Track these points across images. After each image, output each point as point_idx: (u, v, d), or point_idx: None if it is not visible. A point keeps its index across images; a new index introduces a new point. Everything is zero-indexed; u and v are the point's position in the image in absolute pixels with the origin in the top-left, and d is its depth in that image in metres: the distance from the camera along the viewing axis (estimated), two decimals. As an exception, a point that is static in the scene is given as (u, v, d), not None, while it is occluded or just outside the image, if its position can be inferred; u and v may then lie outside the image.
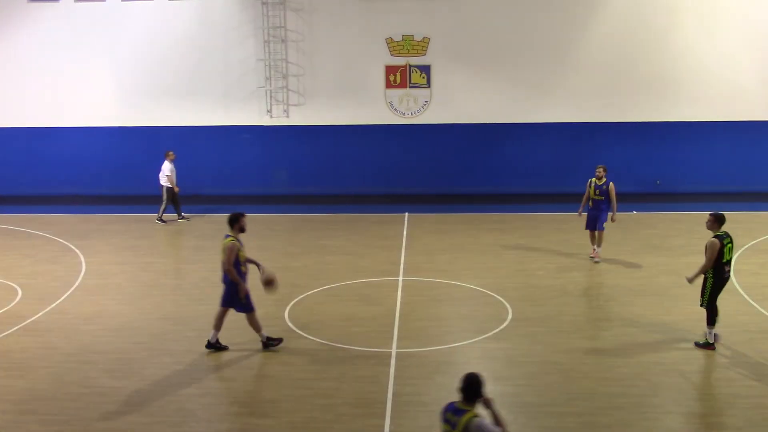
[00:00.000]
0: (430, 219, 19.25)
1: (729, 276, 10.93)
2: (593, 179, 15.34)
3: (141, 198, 20.78)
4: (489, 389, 9.79)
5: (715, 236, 10.75)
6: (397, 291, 13.69)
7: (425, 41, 21.45)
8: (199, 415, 9.40)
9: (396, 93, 21.77)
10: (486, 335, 11.56)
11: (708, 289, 10.84)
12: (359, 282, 14.20)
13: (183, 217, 19.23)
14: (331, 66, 21.70)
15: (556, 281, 14.12)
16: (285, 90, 21.74)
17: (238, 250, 10.73)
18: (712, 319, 10.89)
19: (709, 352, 10.81)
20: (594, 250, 15.43)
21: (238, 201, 19.93)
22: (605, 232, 15.36)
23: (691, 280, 10.94)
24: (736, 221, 18.14)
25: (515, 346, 11.18)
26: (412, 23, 21.40)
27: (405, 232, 17.75)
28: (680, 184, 21.60)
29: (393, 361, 10.67)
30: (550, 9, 21.13)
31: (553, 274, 14.58)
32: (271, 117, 21.87)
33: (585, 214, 15.55)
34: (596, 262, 15.23)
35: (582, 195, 15.48)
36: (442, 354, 10.98)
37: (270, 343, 11.11)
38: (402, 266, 15.09)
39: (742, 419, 8.94)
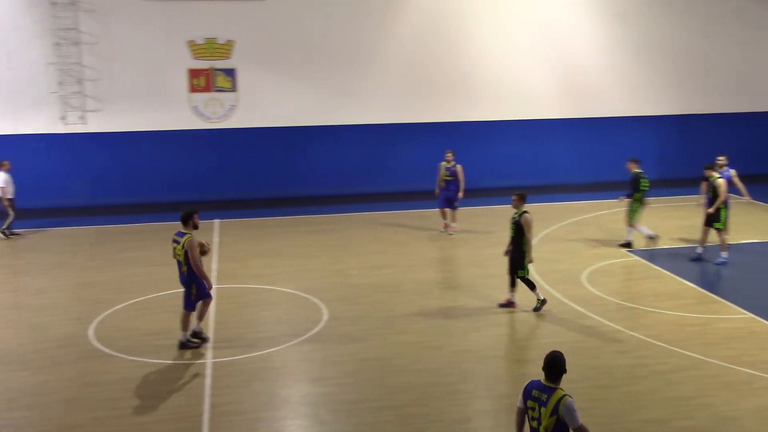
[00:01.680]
0: (243, 224, 18.99)
1: None
2: (443, 162, 17.43)
3: None
4: (307, 391, 9.89)
5: (525, 211, 12.17)
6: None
7: (229, 44, 21.13)
8: (-4, 449, 8.63)
9: (201, 97, 21.26)
10: (303, 337, 11.58)
11: (527, 260, 12.29)
12: (170, 293, 13.67)
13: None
14: (130, 70, 20.77)
15: (370, 279, 14.43)
16: (80, 95, 20.51)
17: (198, 243, 10.83)
18: (532, 284, 12.47)
19: (514, 336, 11.55)
20: (445, 224, 17.63)
21: (34, 215, 18.55)
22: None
23: (531, 261, 12.36)
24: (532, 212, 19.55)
25: (332, 346, 11.29)
26: (214, 26, 21.00)
27: (216, 239, 17.37)
28: (478, 180, 22.82)
29: (209, 372, 10.40)
30: (354, 13, 21.62)
31: (367, 272, 14.89)
32: (66, 124, 20.53)
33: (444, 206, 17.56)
34: (450, 234, 17.42)
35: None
36: (260, 360, 10.86)
37: (190, 344, 11.14)
38: (214, 274, 14.76)
39: (543, 396, 9.64)
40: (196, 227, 11.08)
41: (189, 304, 11.15)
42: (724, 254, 15.05)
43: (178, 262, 11.11)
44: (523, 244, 12.25)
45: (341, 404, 9.50)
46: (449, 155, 17.50)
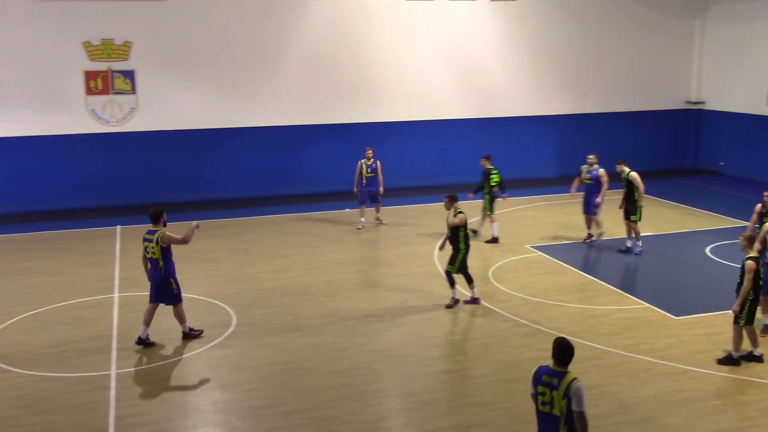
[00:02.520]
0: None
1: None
2: (363, 160, 18.13)
3: None
4: (217, 398, 9.71)
5: (460, 211, 12.63)
6: (113, 309, 12.91)
7: (127, 45, 20.48)
8: None
9: (98, 100, 20.51)
10: (211, 344, 11.35)
11: (460, 257, 12.64)
12: (69, 304, 13.17)
13: None
14: (21, 72, 19.82)
15: (278, 283, 14.29)
16: (-34, 99, 19.48)
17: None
18: (453, 282, 12.82)
19: (424, 334, 11.67)
20: (363, 224, 18.21)
21: None
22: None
23: (442, 248, 13.30)
24: (436, 212, 19.82)
25: (241, 351, 11.12)
26: (111, 26, 20.28)
27: (118, 246, 16.82)
28: (386, 180, 22.95)
29: (113, 384, 10.05)
30: (257, 13, 21.35)
31: (274, 275, 14.74)
32: (-49, 129, 19.46)
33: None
34: (383, 224, 18.42)
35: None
36: (166, 369, 10.58)
37: (192, 333, 11.48)
38: (117, 282, 14.29)
39: (452, 393, 9.78)
40: (165, 225, 11.31)
41: (175, 299, 11.32)
42: (639, 243, 15.81)
43: (153, 261, 11.12)
44: (459, 243, 12.63)
45: (252, 410, 9.37)
46: (369, 152, 18.11)
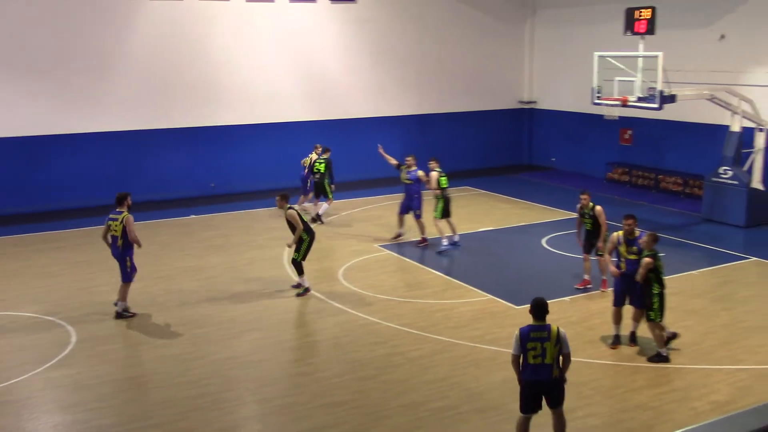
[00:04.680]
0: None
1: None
2: (306, 158, 18.88)
3: None
4: (57, 421, 9.17)
5: (290, 208, 13.20)
6: (-65, 333, 11.87)
7: (-58, 46, 18.88)
8: None
9: None
10: (49, 364, 10.69)
11: (304, 247, 13.28)
12: None
13: None
14: None
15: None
16: None
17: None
18: (301, 271, 13.48)
19: (276, 338, 11.60)
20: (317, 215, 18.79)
21: None
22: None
23: (291, 245, 13.47)
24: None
25: (83, 369, 10.55)
26: None
27: (-60, 265, 15.49)
28: (233, 184, 22.66)
29: (-62, 415, 9.25)
30: (89, 13, 20.29)
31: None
32: None
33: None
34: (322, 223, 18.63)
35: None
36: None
37: (125, 315, 12.42)
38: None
39: (307, 395, 9.78)
40: (129, 207, 12.46)
41: (126, 276, 12.41)
42: (445, 242, 16.37)
43: (114, 238, 12.32)
44: (302, 234, 13.21)
45: (99, 429, 8.92)
46: (318, 149, 18.96)
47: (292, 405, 9.52)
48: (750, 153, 18.43)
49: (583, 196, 13.50)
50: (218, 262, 15.67)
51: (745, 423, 2.63)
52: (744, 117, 18.13)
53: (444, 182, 16.30)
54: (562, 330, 7.71)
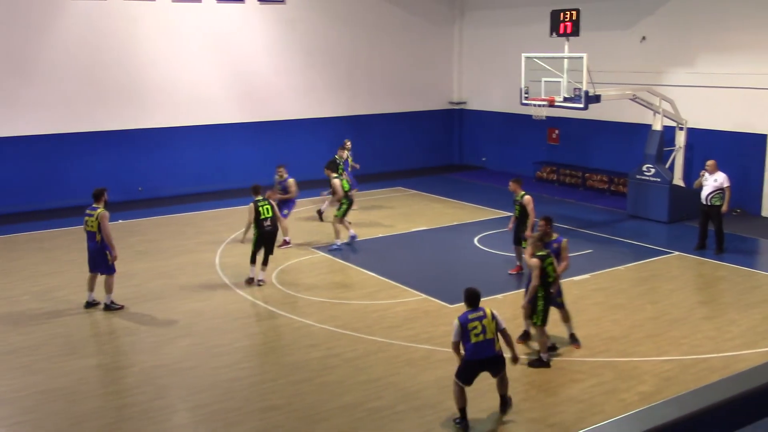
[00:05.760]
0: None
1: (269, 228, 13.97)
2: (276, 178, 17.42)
3: None
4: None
5: (255, 202, 13.75)
6: None
7: None
8: None
9: None
10: (-32, 378, 10.24)
11: (254, 239, 13.82)
12: None
13: None
14: None
15: (44, 303, 13.21)
16: None
17: None
18: (254, 261, 13.95)
19: (208, 344, 11.37)
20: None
21: None
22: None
23: (242, 240, 14.47)
24: (215, 218, 19.46)
25: (4, 382, 10.12)
26: None
27: None
28: (161, 188, 22.17)
29: None
30: (8, 14, 19.51)
31: (40, 296, 13.61)
32: None
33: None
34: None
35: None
36: None
37: (113, 307, 12.59)
38: None
39: (240, 400, 9.61)
40: (106, 203, 12.51)
41: (109, 269, 12.55)
42: (338, 242, 16.49)
43: (91, 233, 12.41)
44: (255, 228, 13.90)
45: (21, 444, 8.58)
46: (281, 170, 17.32)
47: (224, 411, 9.34)
48: (671, 151, 19.06)
49: (510, 182, 14.17)
50: (146, 268, 15.28)
51: (669, 412, 2.72)
52: (665, 116, 18.73)
53: (346, 185, 16.50)
54: (494, 310, 8.67)
